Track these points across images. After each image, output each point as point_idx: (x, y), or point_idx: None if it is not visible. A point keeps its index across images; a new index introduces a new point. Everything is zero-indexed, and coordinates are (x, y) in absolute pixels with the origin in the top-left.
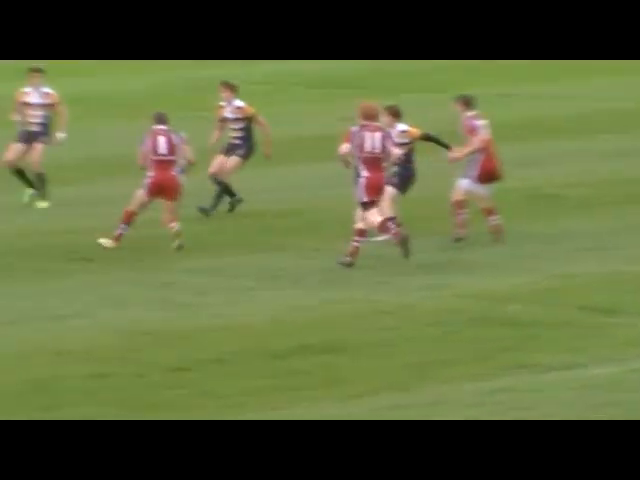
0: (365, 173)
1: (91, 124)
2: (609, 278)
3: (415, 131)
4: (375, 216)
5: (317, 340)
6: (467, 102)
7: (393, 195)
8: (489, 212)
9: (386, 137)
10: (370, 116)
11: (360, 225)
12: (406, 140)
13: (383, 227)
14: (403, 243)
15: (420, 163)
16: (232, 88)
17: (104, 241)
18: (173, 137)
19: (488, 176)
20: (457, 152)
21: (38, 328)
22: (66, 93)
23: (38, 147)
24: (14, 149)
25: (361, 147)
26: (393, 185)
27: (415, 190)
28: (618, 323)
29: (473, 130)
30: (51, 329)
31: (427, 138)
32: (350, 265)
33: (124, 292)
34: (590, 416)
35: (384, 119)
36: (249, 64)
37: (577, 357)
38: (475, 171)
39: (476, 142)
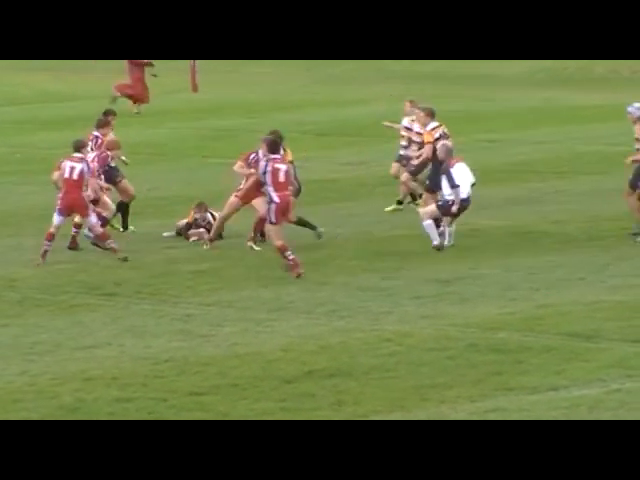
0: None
1: None
2: (590, 307)
3: (429, 138)
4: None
5: (324, 366)
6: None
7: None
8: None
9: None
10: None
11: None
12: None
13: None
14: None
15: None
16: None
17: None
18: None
19: None
20: None
21: (68, 357)
22: None
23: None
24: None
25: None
26: (428, 189)
27: (406, 227)
28: (599, 348)
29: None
30: (80, 358)
31: (432, 151)
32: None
33: (146, 324)
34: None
35: (420, 116)
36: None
37: (561, 380)
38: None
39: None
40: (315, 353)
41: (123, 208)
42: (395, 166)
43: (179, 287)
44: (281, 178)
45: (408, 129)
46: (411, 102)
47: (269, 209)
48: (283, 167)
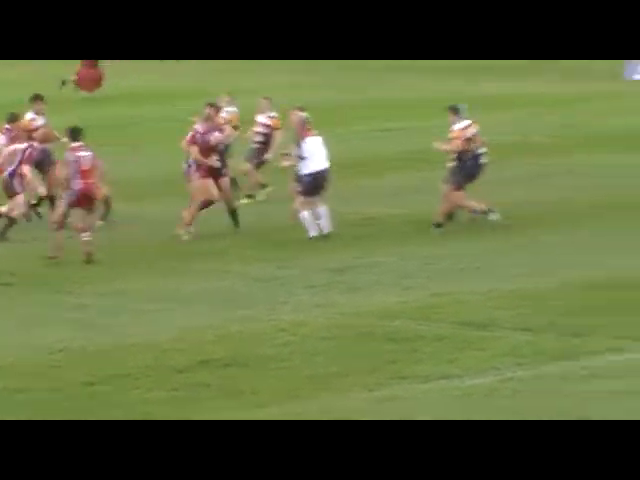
0: None
1: None
2: (484, 296)
3: (458, 135)
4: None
5: (219, 355)
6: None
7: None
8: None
9: None
10: None
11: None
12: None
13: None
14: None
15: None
16: None
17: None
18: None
19: None
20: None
21: None
22: None
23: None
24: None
25: None
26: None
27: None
28: (492, 337)
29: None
30: None
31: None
32: None
33: (41, 313)
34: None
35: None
36: None
37: (455, 369)
38: None
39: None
40: (211, 343)
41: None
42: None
43: (74, 277)
44: (85, 166)
45: (266, 125)
46: (266, 99)
47: (67, 195)
48: (87, 154)
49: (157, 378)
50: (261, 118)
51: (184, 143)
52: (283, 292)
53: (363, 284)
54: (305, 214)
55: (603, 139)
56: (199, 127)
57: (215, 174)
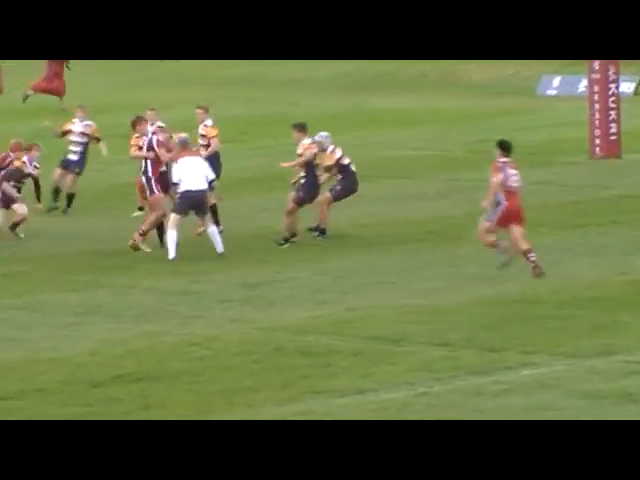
0: None
1: None
2: (398, 310)
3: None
4: None
5: (132, 370)
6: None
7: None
8: None
9: None
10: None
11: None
12: None
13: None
14: None
15: None
16: None
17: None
18: None
19: None
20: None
21: None
22: None
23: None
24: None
25: None
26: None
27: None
28: (406, 351)
29: None
30: None
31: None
32: None
33: None
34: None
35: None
36: None
37: (369, 383)
38: None
39: None
40: (123, 357)
41: None
42: (59, 172)
43: None
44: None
45: (203, 136)
46: (202, 108)
47: None
48: None
49: (71, 393)
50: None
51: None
52: (196, 307)
53: (277, 299)
54: (170, 233)
55: (515, 155)
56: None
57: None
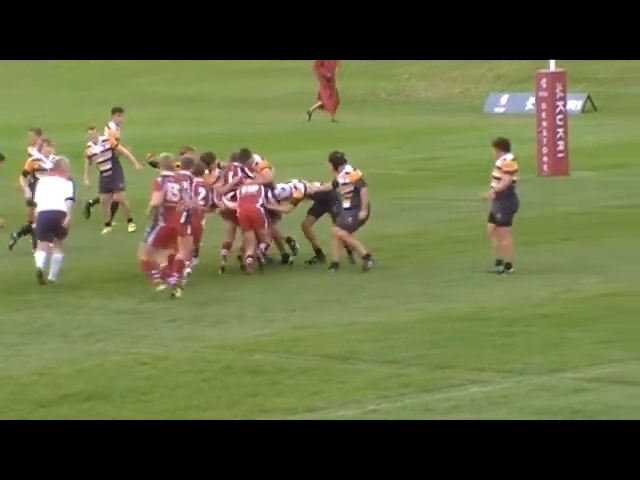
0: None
1: None
2: (346, 328)
3: None
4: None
5: (81, 389)
6: None
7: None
8: None
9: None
10: (170, 167)
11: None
12: None
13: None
14: None
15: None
16: None
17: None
18: None
19: None
20: None
21: None
22: None
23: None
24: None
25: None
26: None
27: None
28: (355, 369)
29: None
30: None
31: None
32: None
33: None
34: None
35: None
36: None
37: (318, 401)
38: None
39: None
40: (71, 377)
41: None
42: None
43: None
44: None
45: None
46: (36, 132)
47: None
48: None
49: (20, 413)
50: (98, 148)
51: None
52: (145, 326)
53: (226, 318)
54: (36, 254)
55: (463, 172)
56: None
57: None
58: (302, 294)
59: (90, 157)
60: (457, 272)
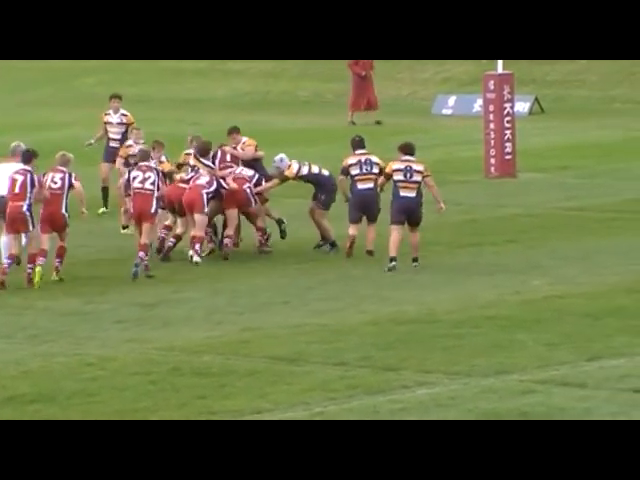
0: None
1: None
2: (294, 330)
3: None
4: None
5: (26, 391)
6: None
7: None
8: None
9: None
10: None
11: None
12: None
13: None
14: None
15: None
16: None
17: None
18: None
19: None
20: None
21: None
22: None
23: None
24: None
25: None
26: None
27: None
28: (302, 371)
29: None
30: None
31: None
32: None
33: None
34: None
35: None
36: None
37: (265, 403)
38: None
39: None
40: (16, 378)
41: None
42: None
43: None
44: (16, 189)
45: None
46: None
47: None
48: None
49: None
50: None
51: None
52: (90, 327)
53: (173, 319)
54: (2, 238)
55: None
56: None
57: None
58: (250, 296)
59: (106, 124)
60: (406, 274)
